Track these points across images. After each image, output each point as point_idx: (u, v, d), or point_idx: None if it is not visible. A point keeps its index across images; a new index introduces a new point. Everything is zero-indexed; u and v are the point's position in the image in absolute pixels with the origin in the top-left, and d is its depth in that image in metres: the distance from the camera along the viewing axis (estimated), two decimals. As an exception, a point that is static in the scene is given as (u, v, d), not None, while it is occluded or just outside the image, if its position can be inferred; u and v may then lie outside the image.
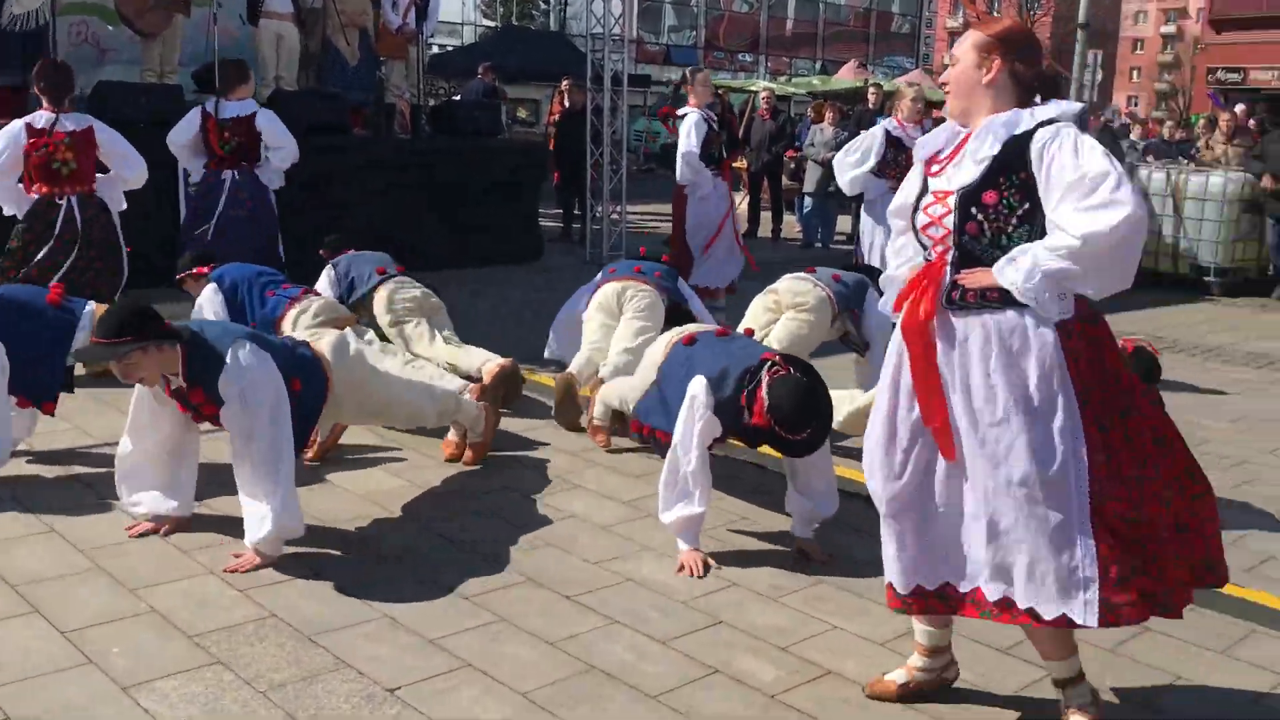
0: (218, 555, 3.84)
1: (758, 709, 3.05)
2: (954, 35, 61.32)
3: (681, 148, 7.90)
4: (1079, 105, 3.00)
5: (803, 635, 3.45)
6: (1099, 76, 23.52)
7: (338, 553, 3.96)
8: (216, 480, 4.36)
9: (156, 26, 9.64)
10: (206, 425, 3.99)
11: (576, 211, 12.81)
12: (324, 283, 6.16)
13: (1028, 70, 2.80)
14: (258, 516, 3.74)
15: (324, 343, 4.32)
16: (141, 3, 9.52)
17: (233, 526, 3.91)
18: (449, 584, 3.72)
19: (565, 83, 13.97)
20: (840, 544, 4.12)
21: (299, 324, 5.21)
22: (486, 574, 3.82)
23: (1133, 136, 16.53)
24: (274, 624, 3.39)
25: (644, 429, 4.37)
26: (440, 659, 3.23)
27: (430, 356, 5.79)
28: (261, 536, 3.74)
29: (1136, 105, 63.22)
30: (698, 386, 3.93)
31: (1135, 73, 72.47)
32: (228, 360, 3.73)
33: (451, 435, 5.06)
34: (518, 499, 4.58)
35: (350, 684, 3.08)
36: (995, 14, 44.94)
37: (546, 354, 6.28)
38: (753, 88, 19.63)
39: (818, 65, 33.47)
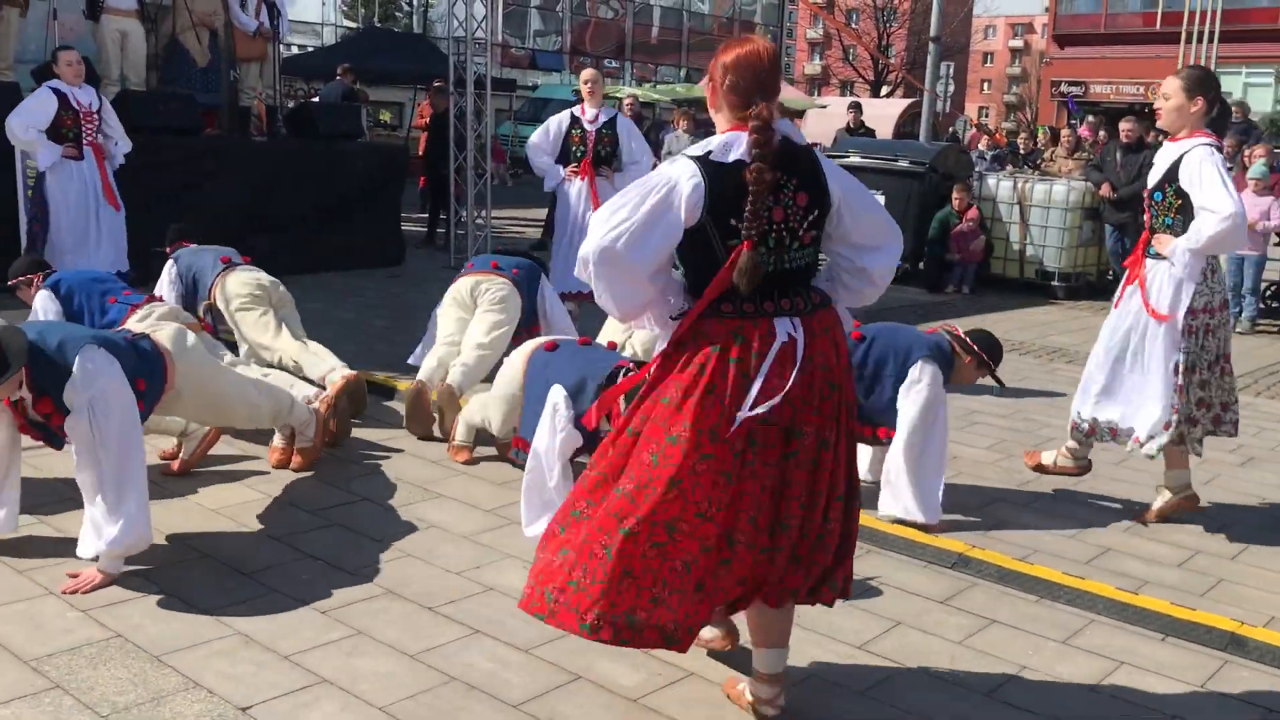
0: (56, 575, 3.67)
1: (620, 713, 3.06)
2: (814, 45, 62.75)
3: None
4: None
5: (664, 638, 3.47)
6: (951, 88, 24.36)
7: (187, 569, 3.82)
8: (55, 496, 4.18)
9: (-13, 25, 9.18)
10: (27, 440, 3.82)
11: (442, 216, 12.67)
12: (165, 281, 5.96)
13: None
14: (101, 529, 3.59)
15: (164, 334, 4.18)
16: (-29, -1, 9.05)
17: (72, 545, 3.74)
18: (305, 598, 3.63)
19: (438, 83, 13.81)
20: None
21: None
22: (344, 587, 3.74)
23: (981, 146, 17.19)
24: (119, 645, 3.26)
25: (524, 445, 4.33)
26: (296, 675, 3.15)
27: (273, 347, 5.71)
28: (105, 549, 3.59)
29: (987, 116, 65.74)
30: (557, 396, 3.92)
31: (985, 85, 75.31)
32: (75, 369, 3.57)
33: (277, 440, 4.91)
34: (377, 510, 4.50)
35: (200, 704, 2.97)
36: (853, 27, 46.22)
37: (411, 360, 6.19)
38: (618, 94, 19.74)
39: (683, 72, 33.84)
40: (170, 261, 6.10)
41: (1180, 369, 4.44)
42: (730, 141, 2.70)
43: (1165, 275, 4.44)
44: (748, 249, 2.63)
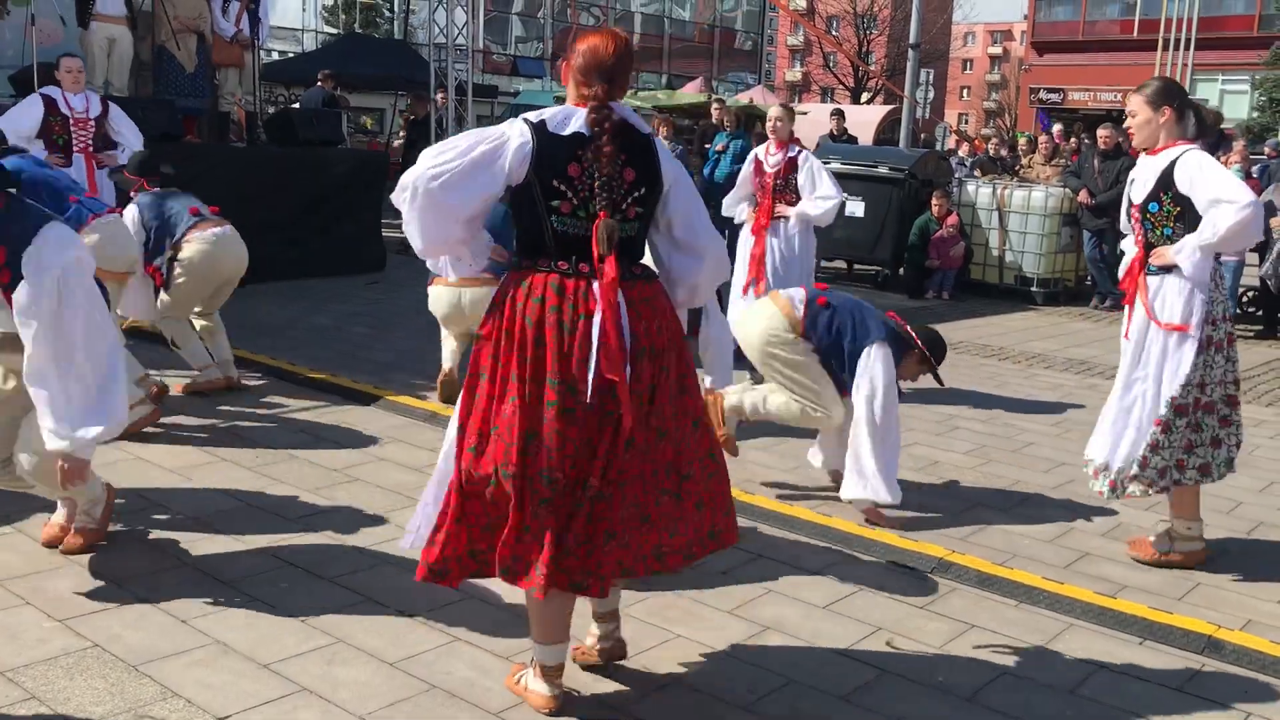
0: (34, 584, 3.65)
1: (600, 721, 3.06)
2: (794, 52, 62.87)
3: None
4: None
5: (646, 645, 3.47)
6: (931, 95, 24.47)
7: (164, 577, 3.80)
8: (31, 505, 4.14)
9: (-36, 28, 9.13)
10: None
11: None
12: (127, 219, 5.89)
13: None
14: (75, 419, 3.24)
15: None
16: (-53, 5, 8.99)
17: (47, 556, 3.71)
18: (283, 606, 3.61)
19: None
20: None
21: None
22: (323, 595, 3.72)
23: (961, 153, 17.27)
24: (96, 654, 3.23)
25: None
26: (275, 684, 3.13)
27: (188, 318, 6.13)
28: (78, 440, 3.26)
29: (967, 122, 66.06)
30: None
31: (965, 91, 75.74)
32: (47, 231, 3.21)
33: (57, 516, 4.06)
34: (356, 517, 4.48)
35: (178, 714, 2.95)
36: (833, 34, 46.38)
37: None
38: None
39: (664, 79, 33.92)
40: (132, 205, 6.03)
41: (1174, 402, 4.13)
42: (569, 115, 2.92)
43: (1172, 287, 4.13)
44: (603, 218, 2.85)
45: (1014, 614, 3.87)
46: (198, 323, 6.24)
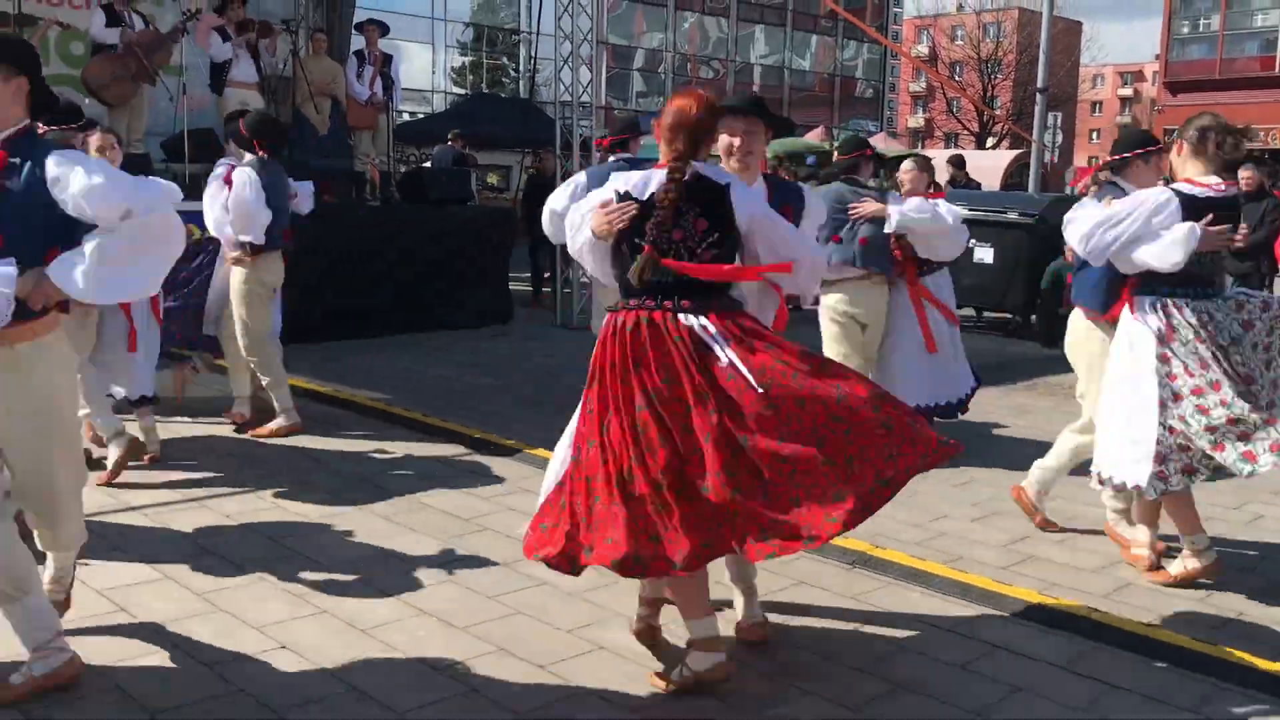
0: (184, 626, 3.77)
1: (732, 778, 3.01)
2: (916, 98, 62.49)
3: None
4: None
5: (773, 705, 3.42)
6: (1059, 139, 23.97)
7: (300, 624, 3.90)
8: (180, 552, 4.30)
9: (122, 98, 9.69)
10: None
11: (546, 275, 12.87)
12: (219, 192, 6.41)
13: None
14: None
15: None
16: (107, 75, 9.56)
17: (194, 600, 3.82)
18: (417, 655, 3.67)
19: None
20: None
21: None
22: (457, 644, 3.77)
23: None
24: (244, 700, 3.33)
25: None
26: (409, 733, 3.18)
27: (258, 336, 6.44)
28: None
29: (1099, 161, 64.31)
30: None
31: (1095, 134, 73.95)
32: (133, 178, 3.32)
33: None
34: (489, 566, 4.53)
35: (317, 760, 3.01)
36: (957, 80, 45.91)
37: None
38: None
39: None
40: (249, 165, 6.39)
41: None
42: (649, 178, 3.40)
43: None
44: (647, 251, 3.33)
45: (1163, 677, 3.69)
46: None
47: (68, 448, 3.45)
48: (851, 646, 3.85)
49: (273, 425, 6.54)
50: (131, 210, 3.14)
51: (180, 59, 10.50)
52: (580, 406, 3.45)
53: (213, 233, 6.54)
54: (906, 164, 6.66)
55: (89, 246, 3.12)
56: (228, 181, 6.36)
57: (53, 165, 3.13)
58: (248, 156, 6.48)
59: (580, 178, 7.35)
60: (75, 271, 3.11)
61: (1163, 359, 4.24)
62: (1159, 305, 4.29)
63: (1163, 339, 4.25)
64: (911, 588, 4.40)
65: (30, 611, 3.28)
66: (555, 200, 7.21)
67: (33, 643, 3.28)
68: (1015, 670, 3.69)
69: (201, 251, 6.70)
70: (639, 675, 3.56)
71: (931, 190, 6.61)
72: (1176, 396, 4.20)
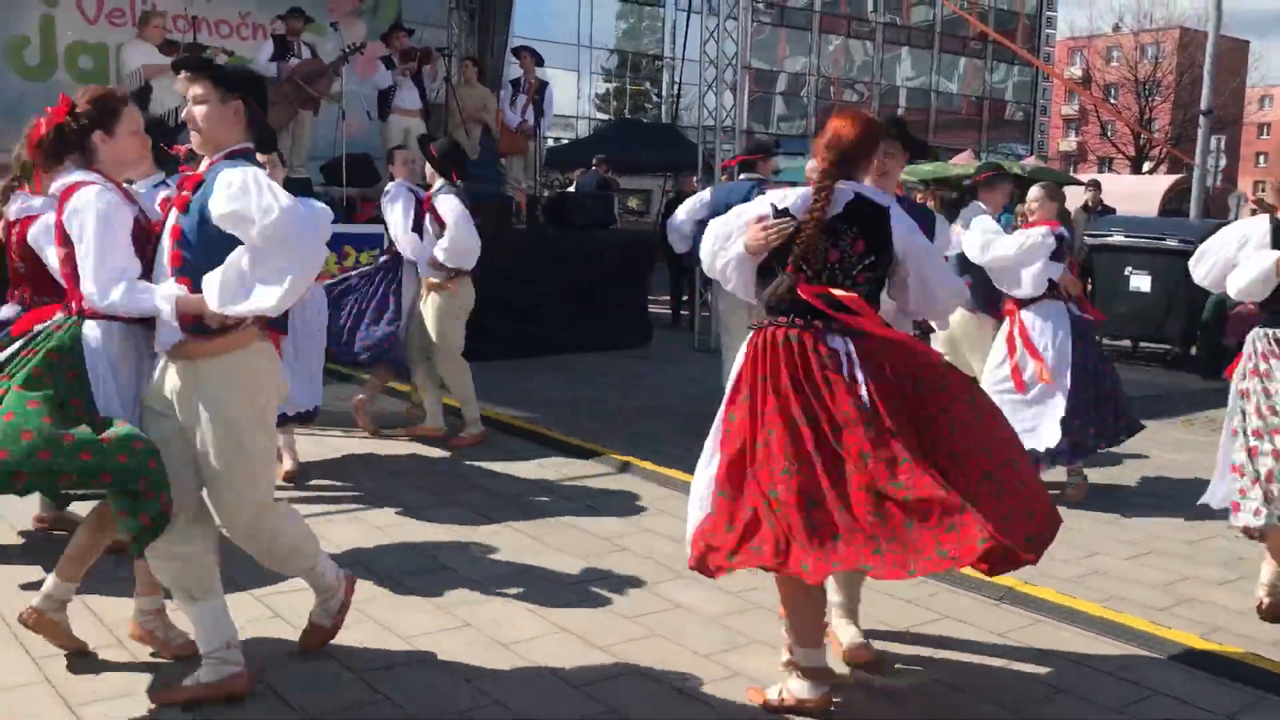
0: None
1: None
2: (1068, 121, 60.85)
3: None
4: None
5: (919, 737, 3.34)
6: (1223, 162, 22.95)
7: (447, 636, 3.99)
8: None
9: (280, 121, 10.13)
10: None
11: (685, 298, 12.94)
12: (404, 210, 6.80)
13: None
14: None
15: None
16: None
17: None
18: (559, 673, 3.71)
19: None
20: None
21: None
22: (597, 662, 3.80)
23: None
24: (387, 707, 3.42)
25: None
26: (550, 749, 3.21)
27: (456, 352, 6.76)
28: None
29: (1264, 191, 61.33)
30: None
31: (1261, 158, 70.47)
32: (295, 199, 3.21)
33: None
34: (624, 587, 4.56)
35: (460, 771, 3.07)
36: (1111, 102, 44.44)
37: None
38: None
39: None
40: (450, 193, 6.67)
41: None
42: (807, 196, 3.36)
43: None
44: (789, 271, 3.36)
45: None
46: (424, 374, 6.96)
47: (252, 466, 3.36)
48: (999, 685, 3.73)
49: (468, 436, 6.91)
50: (258, 222, 3.07)
51: (340, 87, 10.94)
52: (721, 421, 3.41)
53: (410, 257, 6.77)
54: (1034, 191, 6.40)
55: (229, 258, 3.14)
56: (427, 208, 6.66)
57: (215, 184, 3.18)
58: (442, 183, 6.74)
59: (705, 194, 7.45)
60: (210, 282, 3.15)
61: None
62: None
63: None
64: (1062, 626, 4.25)
65: (209, 616, 3.42)
66: (677, 212, 7.38)
67: (206, 646, 3.43)
68: (1176, 718, 3.53)
69: (381, 270, 6.95)
70: (777, 705, 3.52)
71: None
72: None
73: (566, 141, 28.17)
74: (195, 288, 3.19)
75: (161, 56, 9.19)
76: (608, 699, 3.53)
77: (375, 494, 5.76)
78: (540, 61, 12.24)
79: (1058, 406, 5.72)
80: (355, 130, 11.41)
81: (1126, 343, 11.87)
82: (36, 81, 10.85)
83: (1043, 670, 3.85)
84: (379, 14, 12.65)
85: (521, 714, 3.41)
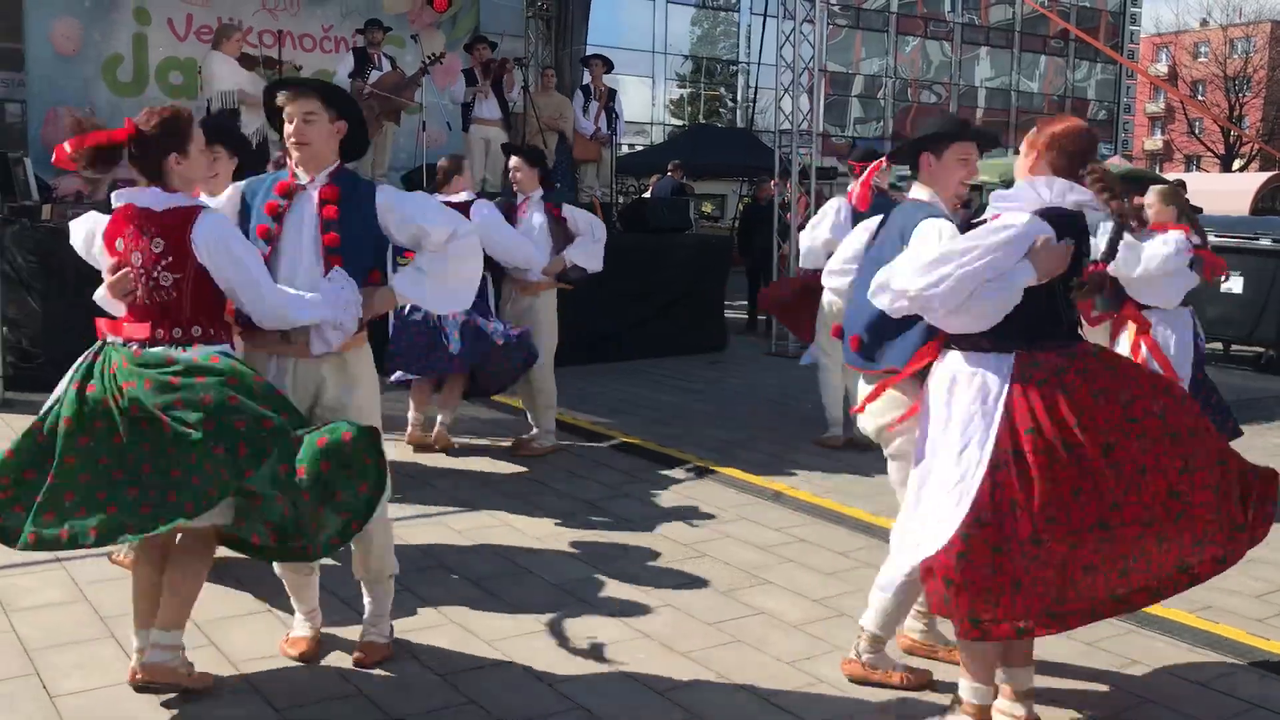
0: (412, 639, 3.95)
1: (960, 824, 2.91)
2: (1154, 119, 59.49)
3: None
4: None
5: (1007, 747, 3.28)
6: (1318, 159, 22.18)
7: (527, 641, 4.02)
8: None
9: (369, 135, 10.28)
10: None
11: (762, 303, 12.91)
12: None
13: None
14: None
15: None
16: (354, 108, 10.18)
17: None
18: (640, 677, 3.72)
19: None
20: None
21: None
22: (678, 667, 3.80)
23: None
24: (473, 710, 3.45)
25: None
26: (632, 754, 3.21)
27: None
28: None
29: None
30: None
31: (1358, 153, 68.12)
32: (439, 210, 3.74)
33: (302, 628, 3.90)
34: (708, 593, 4.55)
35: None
36: (1199, 99, 43.34)
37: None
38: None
39: (1009, 153, 32.89)
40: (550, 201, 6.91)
41: None
42: (1082, 196, 3.20)
43: None
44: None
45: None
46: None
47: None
48: (1091, 695, 3.65)
49: (542, 446, 6.90)
50: (455, 233, 3.59)
51: (421, 98, 11.11)
52: (989, 456, 3.14)
53: (520, 265, 6.69)
54: (1149, 195, 6.15)
55: (425, 263, 3.63)
56: (510, 211, 6.82)
57: (382, 198, 3.59)
58: (540, 191, 6.92)
59: (842, 210, 6.92)
60: (420, 285, 3.64)
61: None
62: None
63: None
64: (1155, 635, 4.14)
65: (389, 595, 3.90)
66: (818, 231, 7.06)
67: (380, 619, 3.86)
68: (1275, 732, 3.42)
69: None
70: (860, 712, 3.49)
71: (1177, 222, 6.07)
72: None
73: (640, 148, 28.25)
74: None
75: (242, 70, 9.39)
76: (689, 704, 3.53)
77: (456, 499, 5.82)
78: (610, 68, 12.31)
79: None
80: (436, 140, 11.57)
81: (1218, 345, 11.54)
82: (129, 98, 11.20)
83: (1133, 679, 3.76)
84: (458, 24, 12.84)
85: (604, 718, 3.42)
